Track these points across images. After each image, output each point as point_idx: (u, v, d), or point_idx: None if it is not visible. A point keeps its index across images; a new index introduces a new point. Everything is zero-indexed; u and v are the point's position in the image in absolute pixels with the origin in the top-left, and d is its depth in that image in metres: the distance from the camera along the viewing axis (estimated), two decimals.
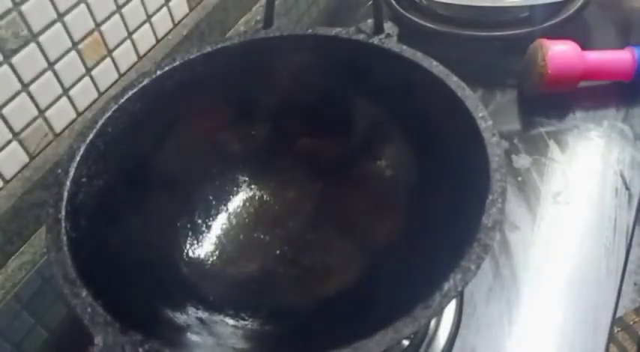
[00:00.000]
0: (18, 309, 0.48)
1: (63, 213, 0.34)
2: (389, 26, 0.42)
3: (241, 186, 0.48)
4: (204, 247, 0.44)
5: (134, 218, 0.39)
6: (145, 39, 0.59)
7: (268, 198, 0.47)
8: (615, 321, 0.42)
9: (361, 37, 0.42)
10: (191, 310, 0.38)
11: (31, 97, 0.50)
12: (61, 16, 0.50)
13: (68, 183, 0.35)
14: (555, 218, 0.48)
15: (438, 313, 0.41)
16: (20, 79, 0.48)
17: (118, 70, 0.57)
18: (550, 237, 0.47)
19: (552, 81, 0.55)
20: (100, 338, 0.29)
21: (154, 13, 0.59)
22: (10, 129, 0.48)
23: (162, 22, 0.61)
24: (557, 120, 0.56)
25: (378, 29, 0.42)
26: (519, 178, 0.51)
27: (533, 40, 0.57)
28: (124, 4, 0.56)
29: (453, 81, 0.38)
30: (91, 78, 0.55)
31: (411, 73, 0.40)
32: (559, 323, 0.42)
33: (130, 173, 0.40)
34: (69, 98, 0.53)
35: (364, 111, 0.44)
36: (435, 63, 0.39)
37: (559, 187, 0.50)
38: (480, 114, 0.35)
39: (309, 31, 0.44)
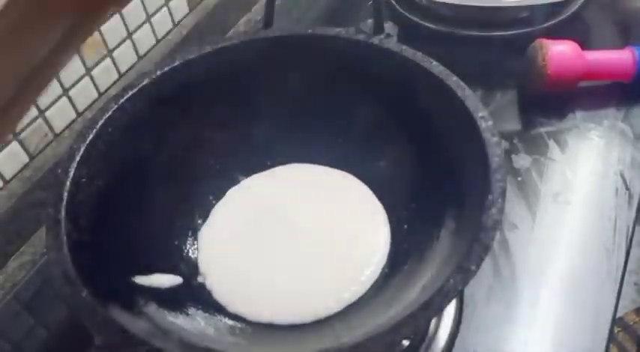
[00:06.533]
0: (18, 309, 0.48)
1: (63, 213, 0.34)
2: (389, 26, 0.42)
3: None
4: None
5: (134, 218, 0.40)
6: (144, 39, 0.59)
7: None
8: (615, 321, 0.42)
9: (361, 37, 0.42)
10: (191, 310, 0.38)
11: None
12: None
13: (68, 183, 0.35)
14: (555, 218, 0.48)
15: (438, 313, 0.41)
16: None
17: (118, 70, 0.57)
18: (550, 237, 0.47)
19: (552, 81, 0.55)
20: (99, 338, 0.29)
21: (154, 13, 0.59)
22: None
23: (162, 22, 0.61)
24: (558, 120, 0.56)
25: (378, 29, 0.42)
26: (519, 178, 0.51)
27: (533, 40, 0.57)
28: None
29: (453, 81, 0.38)
30: (91, 78, 0.55)
31: (411, 73, 0.40)
32: (559, 323, 0.42)
33: (129, 173, 0.40)
34: (69, 98, 0.53)
35: (364, 111, 0.44)
36: (435, 63, 0.39)
37: (559, 187, 0.50)
38: (480, 114, 0.35)
39: (309, 31, 0.44)
